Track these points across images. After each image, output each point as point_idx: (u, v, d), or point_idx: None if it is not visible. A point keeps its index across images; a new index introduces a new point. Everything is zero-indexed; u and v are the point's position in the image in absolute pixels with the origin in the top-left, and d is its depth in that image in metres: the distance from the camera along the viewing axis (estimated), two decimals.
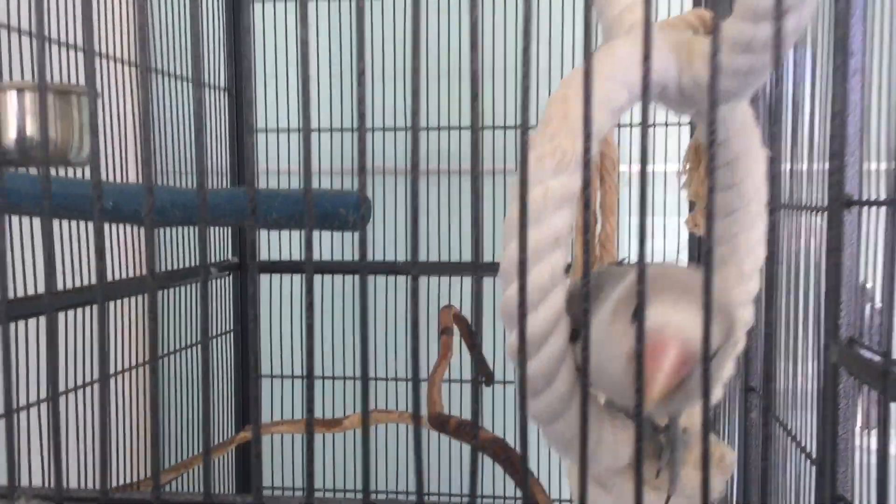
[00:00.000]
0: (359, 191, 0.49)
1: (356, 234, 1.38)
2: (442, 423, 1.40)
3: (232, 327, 2.11)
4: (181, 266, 1.94)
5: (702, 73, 0.53)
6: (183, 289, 1.99)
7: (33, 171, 1.18)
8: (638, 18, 0.66)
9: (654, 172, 2.01)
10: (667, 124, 2.03)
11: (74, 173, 1.33)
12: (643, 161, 0.42)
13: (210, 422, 0.51)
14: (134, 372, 1.86)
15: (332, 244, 2.13)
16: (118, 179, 1.63)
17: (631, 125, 1.97)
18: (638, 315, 0.44)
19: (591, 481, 0.59)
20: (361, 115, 0.46)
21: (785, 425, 1.24)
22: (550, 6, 2.00)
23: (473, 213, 0.40)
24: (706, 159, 1.76)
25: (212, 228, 2.10)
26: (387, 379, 2.07)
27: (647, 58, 0.40)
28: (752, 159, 0.64)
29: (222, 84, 2.05)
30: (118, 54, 1.66)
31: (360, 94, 0.45)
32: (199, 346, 1.74)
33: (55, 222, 1.32)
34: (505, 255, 0.46)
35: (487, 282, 0.53)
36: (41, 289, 1.36)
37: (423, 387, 1.60)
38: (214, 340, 2.06)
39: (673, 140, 2.03)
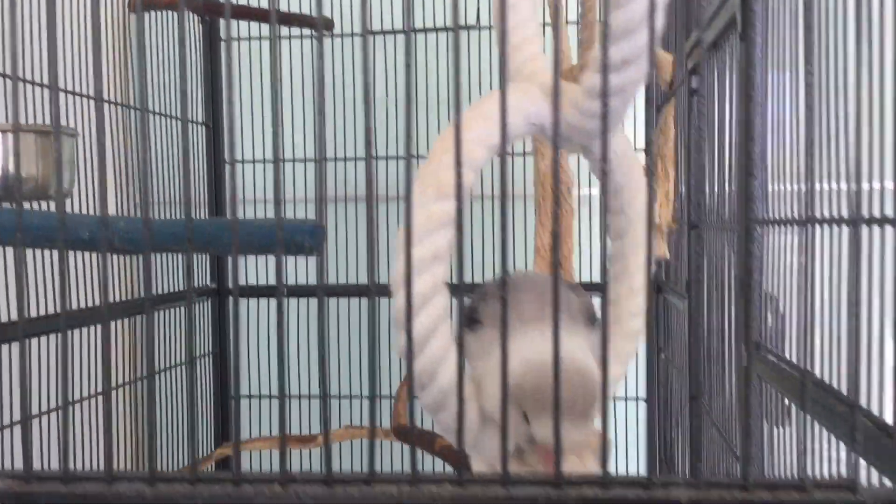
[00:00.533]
0: (316, 219, 0.57)
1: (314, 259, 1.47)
2: (405, 434, 1.49)
3: (211, 350, 2.20)
4: (163, 291, 2.04)
5: (569, 116, 0.63)
6: (166, 312, 2.09)
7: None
8: (538, 67, 0.77)
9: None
10: None
11: (56, 206, 1.43)
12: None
13: (196, 427, 0.59)
14: (124, 388, 1.96)
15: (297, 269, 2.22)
16: (97, 211, 1.72)
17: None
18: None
19: (486, 465, 0.69)
20: (322, 151, 0.56)
21: (721, 429, 1.33)
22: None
23: (368, 238, 0.49)
24: (660, 182, 1.85)
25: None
26: (360, 397, 2.16)
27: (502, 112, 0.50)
28: (634, 187, 0.74)
29: (200, 119, 2.15)
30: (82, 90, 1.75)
31: (321, 131, 0.53)
32: (185, 364, 1.82)
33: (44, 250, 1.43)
34: (395, 270, 0.56)
35: None
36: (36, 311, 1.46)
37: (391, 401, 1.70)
38: (195, 362, 2.15)
39: None
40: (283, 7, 2.14)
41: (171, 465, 2.08)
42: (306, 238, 1.02)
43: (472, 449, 0.71)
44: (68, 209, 1.45)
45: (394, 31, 2.11)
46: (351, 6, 2.06)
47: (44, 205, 1.37)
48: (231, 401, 2.19)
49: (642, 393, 2.14)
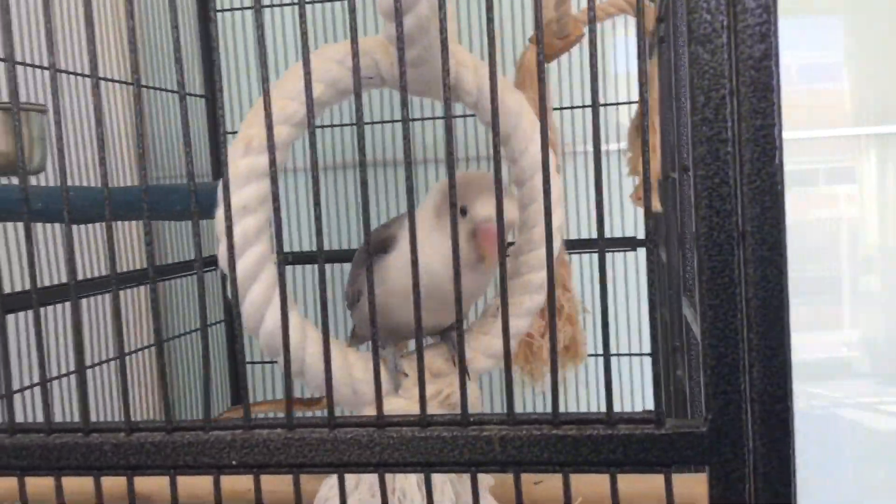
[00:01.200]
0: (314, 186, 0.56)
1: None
2: None
3: (223, 317, 2.26)
4: (177, 260, 2.12)
5: (389, 67, 0.64)
6: (181, 280, 2.16)
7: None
8: None
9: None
10: (617, 104, 2.11)
11: (37, 180, 1.49)
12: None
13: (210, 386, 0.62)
14: (144, 353, 2.05)
15: (300, 235, 2.25)
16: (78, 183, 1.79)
17: (581, 106, 2.06)
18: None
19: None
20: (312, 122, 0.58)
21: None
22: None
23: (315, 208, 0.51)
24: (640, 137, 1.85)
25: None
26: None
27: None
28: (524, 136, 0.74)
29: (199, 91, 2.19)
30: (79, 68, 1.80)
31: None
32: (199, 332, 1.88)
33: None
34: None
35: None
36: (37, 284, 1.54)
37: None
38: (209, 328, 2.22)
39: (623, 119, 2.12)
40: None
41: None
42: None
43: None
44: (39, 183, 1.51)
45: None
46: None
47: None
48: (242, 365, 2.25)
49: (647, 347, 2.13)
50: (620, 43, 2.28)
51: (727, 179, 0.47)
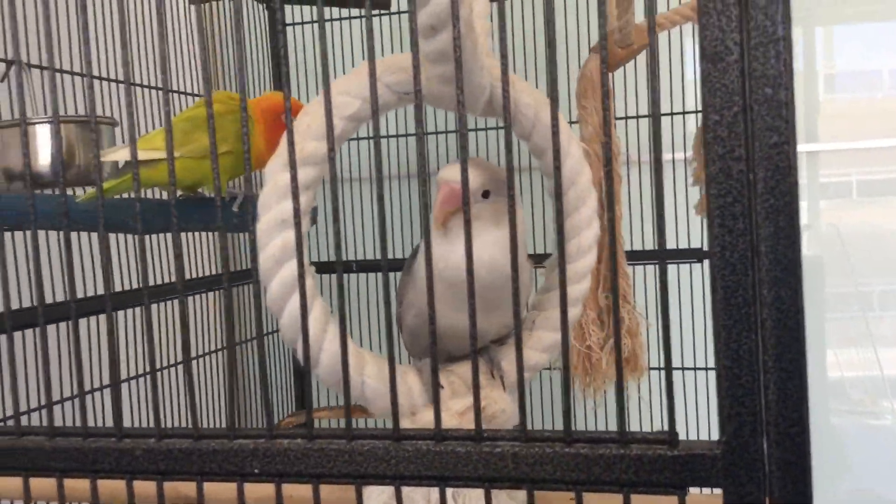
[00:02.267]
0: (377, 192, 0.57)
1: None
2: None
3: None
4: (239, 268, 2.18)
5: (432, 81, 0.64)
6: (242, 288, 2.22)
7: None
8: None
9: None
10: (684, 113, 2.08)
11: None
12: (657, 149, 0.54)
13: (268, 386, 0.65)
14: (211, 357, 2.11)
15: (364, 243, 2.29)
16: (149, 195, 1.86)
17: (646, 116, 2.04)
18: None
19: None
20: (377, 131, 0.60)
21: None
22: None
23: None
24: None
25: None
26: None
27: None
28: (561, 150, 0.74)
29: None
30: (151, 81, 1.87)
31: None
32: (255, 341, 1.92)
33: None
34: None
35: None
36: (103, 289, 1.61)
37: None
38: (272, 336, 2.27)
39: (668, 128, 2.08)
40: None
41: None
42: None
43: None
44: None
45: None
46: None
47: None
48: (307, 372, 2.29)
49: (706, 362, 2.09)
50: (689, 50, 2.25)
51: (740, 198, 0.47)
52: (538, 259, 0.87)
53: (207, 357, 2.13)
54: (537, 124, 0.73)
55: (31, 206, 0.69)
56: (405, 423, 0.72)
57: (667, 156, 2.11)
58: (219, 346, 2.19)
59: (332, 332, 0.67)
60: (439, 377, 0.75)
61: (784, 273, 0.46)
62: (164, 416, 1.84)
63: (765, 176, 0.46)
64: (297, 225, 0.54)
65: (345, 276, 0.56)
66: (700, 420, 2.10)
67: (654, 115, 0.51)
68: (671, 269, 2.08)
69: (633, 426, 2.08)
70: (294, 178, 0.53)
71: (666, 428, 0.50)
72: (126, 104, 0.61)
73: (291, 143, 0.53)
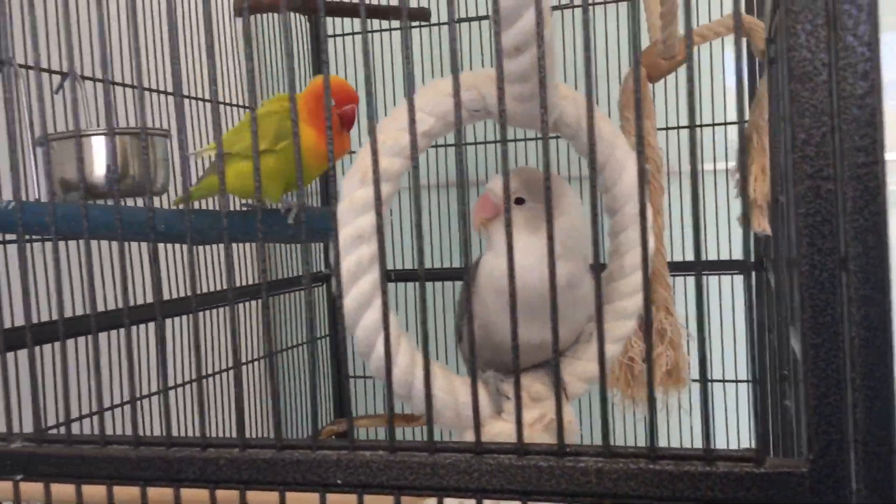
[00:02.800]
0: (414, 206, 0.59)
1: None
2: None
3: (327, 332, 2.33)
4: (284, 276, 2.20)
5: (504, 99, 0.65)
6: (286, 296, 2.24)
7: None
8: None
9: (704, 171, 2.06)
10: (725, 123, 2.07)
11: (160, 202, 1.58)
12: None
13: (318, 399, 0.66)
14: (254, 364, 2.14)
15: (403, 253, 2.30)
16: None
17: (687, 127, 2.03)
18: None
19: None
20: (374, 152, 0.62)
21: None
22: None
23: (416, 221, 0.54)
24: (756, 155, 1.81)
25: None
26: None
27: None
28: (617, 165, 0.75)
29: None
30: (199, 93, 1.90)
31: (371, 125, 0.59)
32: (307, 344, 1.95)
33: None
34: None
35: None
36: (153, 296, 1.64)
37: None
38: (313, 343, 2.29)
39: (709, 138, 2.08)
40: (395, 1, 2.21)
41: (295, 436, 2.23)
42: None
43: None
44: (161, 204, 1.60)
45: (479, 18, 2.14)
46: None
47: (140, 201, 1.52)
48: (346, 379, 2.31)
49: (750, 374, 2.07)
50: (730, 61, 2.24)
51: (829, 217, 0.47)
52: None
53: (251, 364, 2.15)
54: (599, 142, 0.74)
55: (85, 216, 0.71)
56: (471, 436, 0.73)
57: (707, 166, 2.10)
58: (261, 355, 2.21)
59: (403, 345, 0.68)
60: (505, 388, 0.76)
61: (873, 291, 0.46)
62: (209, 424, 1.87)
63: (853, 195, 0.46)
64: (380, 241, 0.55)
65: (406, 285, 0.57)
66: (741, 432, 2.09)
67: (692, 127, 0.51)
68: (712, 280, 2.07)
69: (665, 438, 2.07)
70: (378, 197, 0.54)
71: (700, 441, 0.51)
72: (213, 115, 0.63)
73: (376, 162, 0.54)
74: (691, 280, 2.02)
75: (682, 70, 1.77)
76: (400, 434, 2.14)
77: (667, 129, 2.02)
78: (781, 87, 1.25)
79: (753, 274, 1.91)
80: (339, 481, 0.56)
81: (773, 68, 1.54)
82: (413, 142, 0.53)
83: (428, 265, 2.26)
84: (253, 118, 0.60)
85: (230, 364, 1.90)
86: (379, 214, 0.54)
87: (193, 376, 1.84)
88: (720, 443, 2.11)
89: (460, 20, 2.14)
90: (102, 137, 1.34)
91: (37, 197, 1.36)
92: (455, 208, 2.24)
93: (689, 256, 2.05)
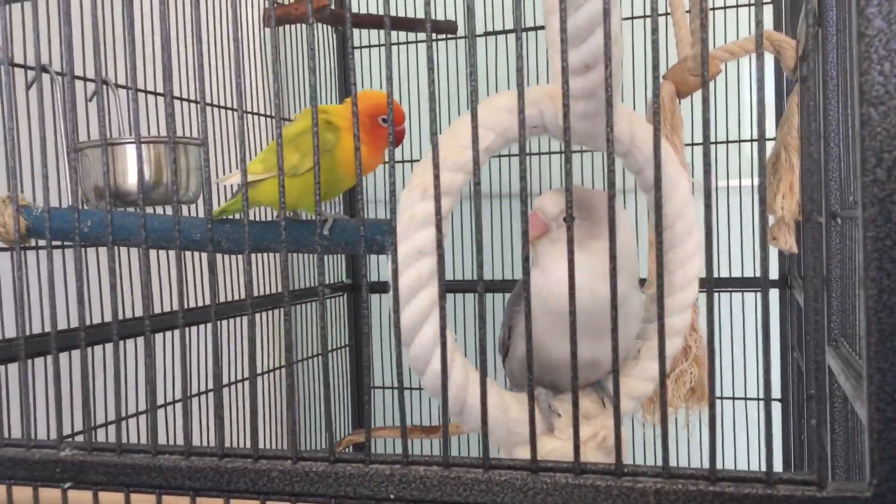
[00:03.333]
0: (390, 220, 0.60)
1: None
2: None
3: (347, 342, 2.33)
4: (302, 286, 2.20)
5: (559, 119, 0.65)
6: (304, 306, 2.24)
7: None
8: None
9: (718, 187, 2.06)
10: (727, 141, 2.07)
11: (189, 211, 1.59)
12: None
13: (332, 412, 0.66)
14: (271, 375, 2.14)
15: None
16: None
17: (714, 143, 2.03)
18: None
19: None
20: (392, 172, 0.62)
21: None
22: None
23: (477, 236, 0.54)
24: (784, 173, 1.80)
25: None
26: None
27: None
28: (668, 184, 0.74)
29: None
30: (226, 103, 1.91)
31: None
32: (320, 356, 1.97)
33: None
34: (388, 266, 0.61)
35: None
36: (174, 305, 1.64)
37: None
38: (331, 353, 2.29)
39: (736, 154, 2.07)
40: (420, 13, 2.22)
41: (312, 446, 2.23)
42: (386, 237, 1.08)
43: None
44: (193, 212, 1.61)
45: (505, 31, 2.15)
46: (485, 7, 2.11)
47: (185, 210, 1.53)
48: (365, 390, 2.31)
49: (777, 393, 2.06)
50: (746, 78, 2.24)
51: None
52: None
53: (269, 374, 2.15)
54: (651, 159, 0.74)
55: (143, 226, 0.71)
56: (520, 453, 0.73)
57: (732, 182, 2.10)
58: (279, 364, 2.21)
59: (458, 361, 0.68)
60: (555, 405, 0.76)
61: None
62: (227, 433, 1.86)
63: None
64: (440, 256, 0.55)
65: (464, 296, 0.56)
66: (761, 450, 2.07)
67: (706, 143, 0.52)
68: (735, 297, 2.06)
69: (685, 456, 2.06)
70: (438, 212, 0.54)
71: (720, 460, 0.50)
72: (238, 132, 0.63)
73: (437, 177, 0.54)
74: (715, 296, 2.02)
75: (711, 86, 1.77)
76: (418, 445, 2.13)
77: (692, 144, 2.01)
78: (820, 105, 1.24)
79: (767, 293, 1.91)
80: (392, 496, 0.56)
81: (804, 86, 1.54)
82: (476, 158, 0.53)
83: (485, 276, 2.26)
84: (278, 136, 0.61)
85: (247, 374, 1.90)
86: (439, 230, 0.54)
87: (210, 386, 1.84)
88: (728, 460, 2.10)
89: (486, 34, 2.15)
90: (136, 145, 1.35)
91: (70, 204, 1.37)
92: (511, 217, 2.24)
93: (721, 273, 2.04)
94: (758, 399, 2.09)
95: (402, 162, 2.25)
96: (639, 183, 0.78)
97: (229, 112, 1.90)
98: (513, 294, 0.86)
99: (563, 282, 0.73)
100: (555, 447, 0.71)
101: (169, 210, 1.51)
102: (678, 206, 0.76)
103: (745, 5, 1.97)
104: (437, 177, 0.54)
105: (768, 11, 1.91)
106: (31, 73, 1.38)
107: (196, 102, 1.77)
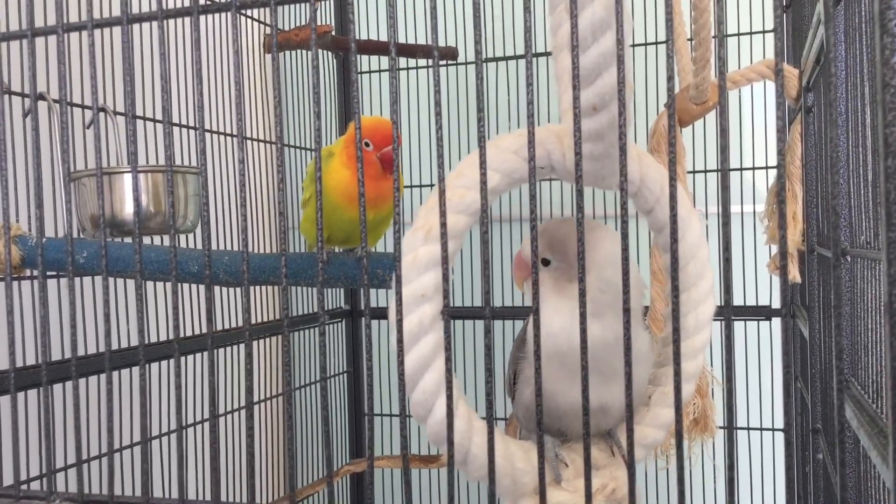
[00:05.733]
0: (394, 254, 0.59)
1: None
2: None
3: (345, 369, 2.30)
4: (301, 313, 2.18)
5: (568, 161, 0.64)
6: (302, 333, 2.22)
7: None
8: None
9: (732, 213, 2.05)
10: (754, 168, 2.06)
11: (187, 240, 1.57)
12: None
13: (332, 450, 0.64)
14: (265, 404, 2.11)
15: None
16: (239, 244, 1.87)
17: (715, 171, 2.02)
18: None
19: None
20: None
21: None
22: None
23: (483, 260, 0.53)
24: (788, 203, 1.79)
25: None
26: None
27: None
28: (682, 224, 0.73)
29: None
30: (226, 129, 1.90)
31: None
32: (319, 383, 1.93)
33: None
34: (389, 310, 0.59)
35: None
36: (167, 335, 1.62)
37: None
38: (330, 380, 2.27)
39: (737, 181, 2.06)
40: (421, 40, 2.22)
41: (309, 475, 2.20)
42: (385, 271, 1.07)
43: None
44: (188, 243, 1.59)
45: (516, 57, 2.14)
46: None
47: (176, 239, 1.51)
48: (364, 418, 2.28)
49: (779, 423, 2.04)
50: (761, 107, 2.23)
51: None
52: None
53: (266, 402, 2.13)
54: (661, 198, 0.72)
55: (140, 256, 0.70)
56: (527, 503, 0.70)
57: (734, 208, 2.09)
58: (277, 392, 2.19)
59: (462, 409, 0.66)
60: (562, 454, 0.73)
61: None
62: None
63: None
64: (446, 305, 0.53)
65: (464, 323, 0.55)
66: (765, 480, 2.05)
67: (723, 172, 0.50)
68: (738, 326, 2.05)
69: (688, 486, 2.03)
70: (445, 261, 0.53)
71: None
72: (278, 164, 0.62)
73: (444, 225, 0.53)
74: (717, 325, 2.00)
75: (712, 116, 1.76)
76: (416, 475, 2.10)
77: (693, 172, 2.00)
78: (828, 139, 1.23)
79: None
80: None
81: (809, 117, 1.53)
82: (483, 203, 0.51)
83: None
84: (279, 164, 0.59)
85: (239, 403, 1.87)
86: (446, 279, 0.52)
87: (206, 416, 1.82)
88: (744, 490, 2.08)
89: (488, 59, 2.14)
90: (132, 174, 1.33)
91: (65, 233, 1.35)
92: (518, 242, 2.23)
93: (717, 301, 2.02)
94: (755, 428, 2.07)
95: (411, 187, 2.23)
96: (649, 223, 0.76)
97: (229, 138, 1.88)
98: (517, 338, 0.84)
99: (554, 325, 0.72)
100: (562, 500, 0.69)
101: (167, 240, 1.50)
102: (690, 247, 0.74)
103: (746, 34, 1.96)
104: (443, 224, 0.52)
105: (770, 39, 1.90)
106: (28, 101, 1.37)
107: (195, 129, 1.76)
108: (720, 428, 1.93)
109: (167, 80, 0.67)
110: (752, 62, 1.78)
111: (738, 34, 1.99)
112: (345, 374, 2.30)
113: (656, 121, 1.76)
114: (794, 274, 1.75)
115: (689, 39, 1.80)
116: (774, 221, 1.79)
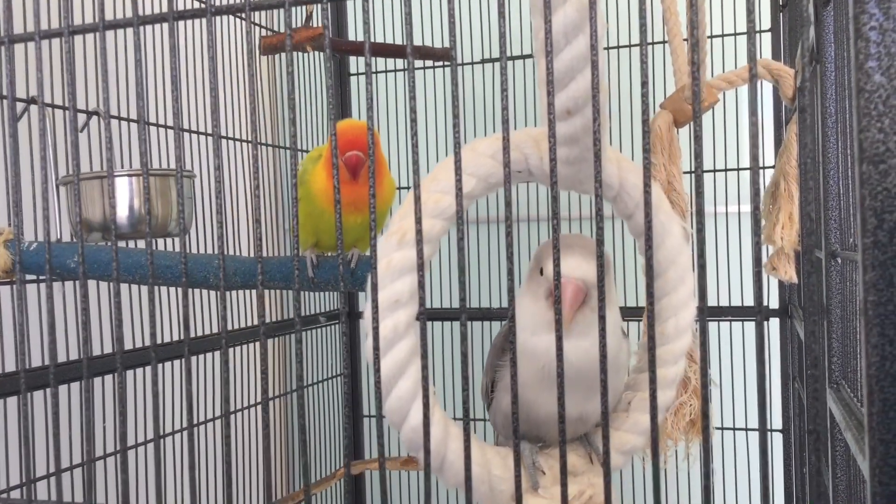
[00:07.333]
0: (371, 257, 0.58)
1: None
2: None
3: (342, 370, 2.30)
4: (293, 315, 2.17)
5: (544, 164, 0.63)
6: (286, 338, 2.21)
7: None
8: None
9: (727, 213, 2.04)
10: (726, 168, 2.05)
11: (172, 243, 1.57)
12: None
13: (307, 460, 0.63)
14: (250, 410, 2.09)
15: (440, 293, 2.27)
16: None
17: (711, 171, 2.01)
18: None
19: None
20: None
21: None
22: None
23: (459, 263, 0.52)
24: (783, 202, 1.78)
25: None
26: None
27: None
28: (661, 230, 0.72)
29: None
30: (236, 133, 1.89)
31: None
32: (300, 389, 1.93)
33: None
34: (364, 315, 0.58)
35: None
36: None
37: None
38: (327, 382, 2.26)
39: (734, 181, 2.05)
40: (417, 41, 2.21)
41: (310, 476, 2.20)
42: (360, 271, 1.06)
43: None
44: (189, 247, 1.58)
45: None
46: (470, 36, 2.11)
47: (168, 244, 1.50)
48: (362, 418, 2.28)
49: (778, 424, 2.03)
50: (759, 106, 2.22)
51: None
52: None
53: (245, 411, 2.10)
54: (641, 204, 0.71)
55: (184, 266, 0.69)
56: None
57: (731, 208, 2.08)
58: (258, 401, 2.17)
59: (437, 415, 0.65)
60: (539, 461, 0.73)
61: None
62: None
63: None
64: (422, 312, 0.52)
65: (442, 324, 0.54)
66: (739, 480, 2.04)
67: (697, 177, 0.50)
68: (735, 326, 2.04)
69: (673, 488, 2.03)
70: (420, 254, 0.52)
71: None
72: (215, 147, 0.61)
73: (419, 231, 0.52)
74: (713, 326, 1.99)
75: (708, 116, 1.75)
76: (396, 476, 2.10)
77: (690, 172, 1.99)
78: (819, 138, 1.22)
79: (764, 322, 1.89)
80: None
81: (803, 116, 1.52)
82: (459, 208, 0.51)
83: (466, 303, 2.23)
84: (294, 166, 0.59)
85: (253, 400, 1.86)
86: (421, 286, 0.52)
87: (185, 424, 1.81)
88: (729, 492, 2.07)
89: (484, 61, 2.13)
90: (125, 178, 1.33)
91: (58, 237, 1.35)
92: (498, 243, 2.22)
93: (711, 301, 2.01)
94: (738, 428, 2.06)
95: (399, 189, 2.23)
96: (630, 228, 0.76)
97: (230, 140, 1.88)
98: (494, 345, 0.83)
99: (542, 343, 0.71)
100: None
101: (162, 244, 1.49)
102: (670, 253, 0.73)
103: (743, 34, 1.96)
104: (419, 231, 0.52)
105: (766, 39, 1.90)
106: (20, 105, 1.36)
107: (207, 135, 1.76)
108: (717, 429, 1.92)
109: (178, 86, 0.66)
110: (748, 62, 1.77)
111: (735, 34, 1.98)
112: (341, 376, 2.30)
113: (652, 122, 1.76)
114: (791, 274, 1.74)
115: (684, 40, 1.80)
116: (771, 221, 1.78)
